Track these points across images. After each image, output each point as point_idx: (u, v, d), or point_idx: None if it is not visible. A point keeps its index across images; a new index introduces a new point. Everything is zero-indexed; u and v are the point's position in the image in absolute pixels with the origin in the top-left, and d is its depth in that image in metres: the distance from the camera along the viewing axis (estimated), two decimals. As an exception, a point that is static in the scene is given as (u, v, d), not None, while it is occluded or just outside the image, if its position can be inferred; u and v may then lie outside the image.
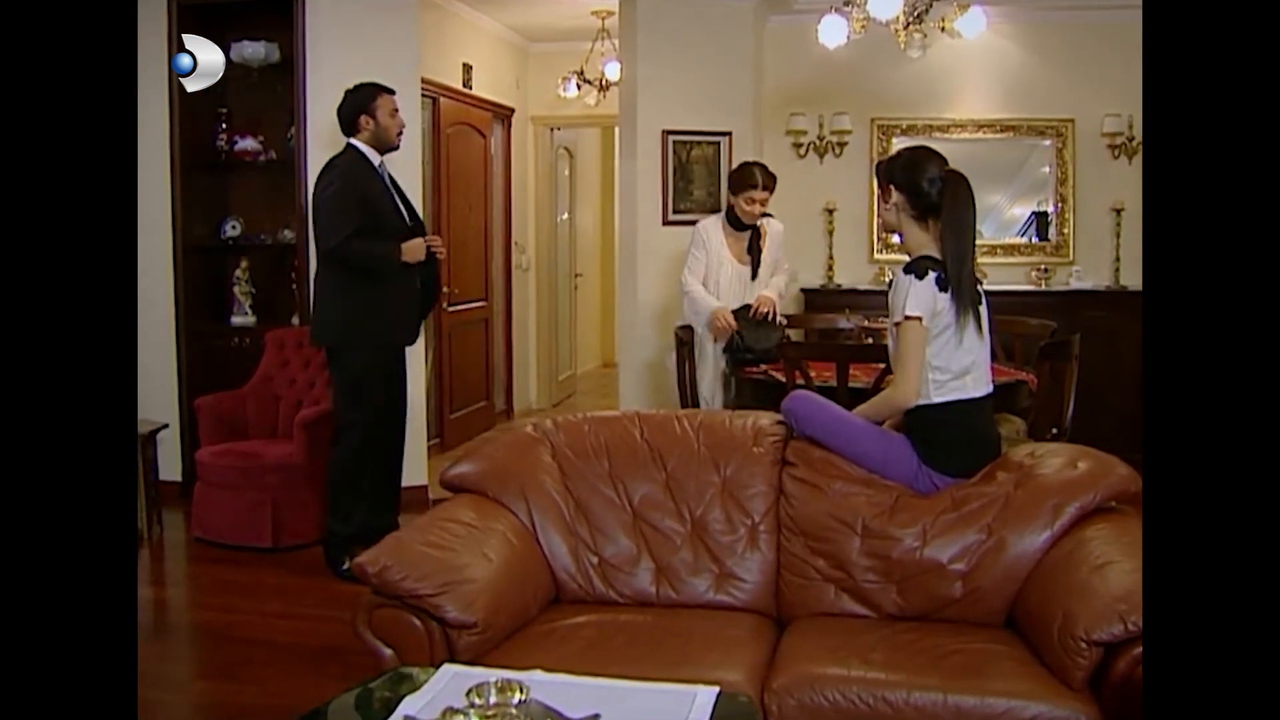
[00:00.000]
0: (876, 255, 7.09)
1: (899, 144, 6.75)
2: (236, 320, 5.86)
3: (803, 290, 6.81)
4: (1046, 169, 7.00)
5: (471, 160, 7.56)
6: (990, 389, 3.08)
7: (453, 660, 2.47)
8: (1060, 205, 6.95)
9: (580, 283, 9.99)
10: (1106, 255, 6.83)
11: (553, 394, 9.02)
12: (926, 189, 2.98)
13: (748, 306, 4.93)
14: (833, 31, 4.89)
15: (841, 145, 7.01)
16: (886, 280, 6.82)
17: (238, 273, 5.87)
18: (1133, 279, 6.71)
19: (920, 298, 2.92)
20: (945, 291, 2.93)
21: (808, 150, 7.03)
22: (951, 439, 2.96)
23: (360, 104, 4.58)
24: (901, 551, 2.83)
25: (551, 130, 8.84)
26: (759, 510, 3.02)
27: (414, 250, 4.57)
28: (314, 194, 4.60)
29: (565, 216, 9.36)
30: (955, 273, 2.93)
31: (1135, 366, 6.02)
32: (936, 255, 2.98)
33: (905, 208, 3.02)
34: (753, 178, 4.91)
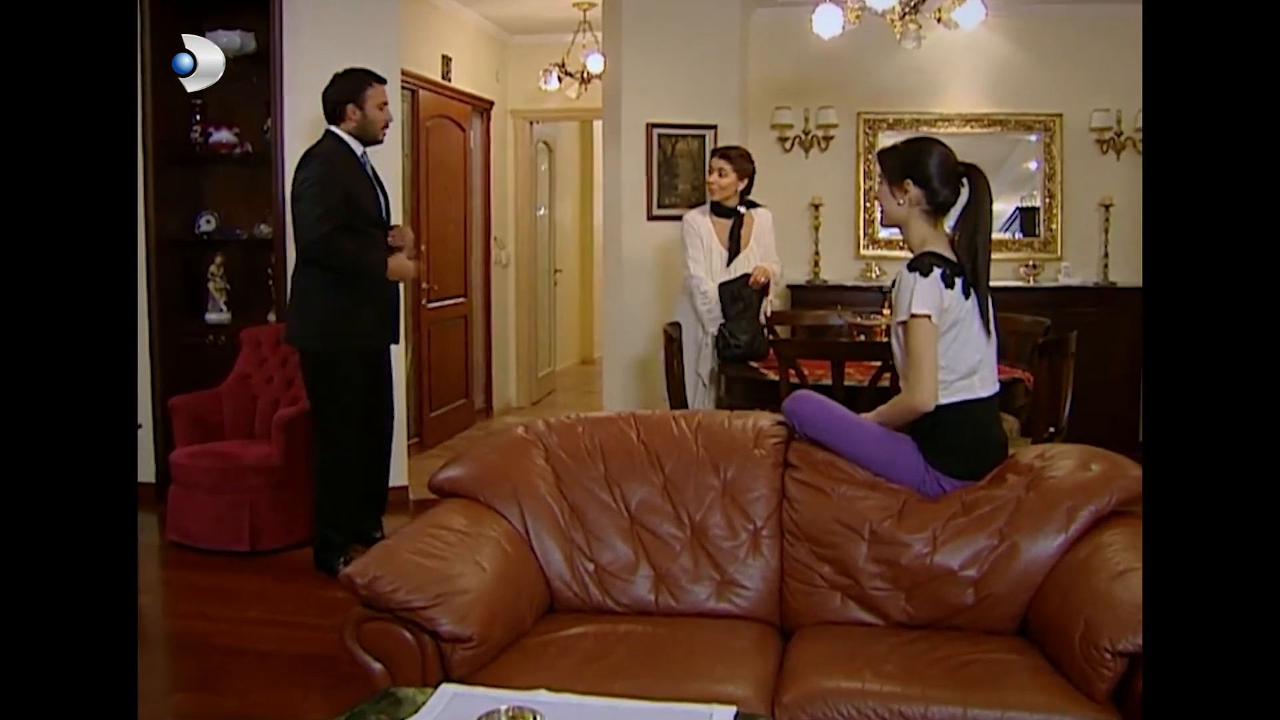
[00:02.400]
0: (863, 251, 7.01)
1: (885, 138, 6.69)
2: (211, 317, 5.71)
3: (789, 287, 6.71)
4: (1033, 164, 6.94)
5: (451, 154, 7.43)
6: (997, 388, 3.00)
7: (447, 675, 2.36)
8: (1048, 200, 6.89)
9: (559, 279, 9.86)
10: (1095, 251, 6.78)
11: (533, 391, 8.90)
12: (943, 186, 2.90)
13: (745, 276, 4.86)
14: (827, 22, 4.80)
15: (828, 139, 6.93)
16: (874, 276, 6.75)
17: (212, 268, 5.71)
18: (1122, 275, 6.66)
19: (927, 295, 2.83)
20: (951, 288, 2.84)
21: (793, 144, 6.94)
22: (959, 440, 2.87)
23: (350, 92, 4.40)
24: (911, 558, 2.73)
25: (531, 124, 8.71)
26: (761, 515, 2.91)
27: (400, 271, 4.49)
28: (293, 186, 4.40)
29: (543, 211, 9.24)
30: (983, 270, 2.86)
31: (1125, 364, 6.13)
32: (940, 251, 2.90)
33: (920, 203, 2.92)
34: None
